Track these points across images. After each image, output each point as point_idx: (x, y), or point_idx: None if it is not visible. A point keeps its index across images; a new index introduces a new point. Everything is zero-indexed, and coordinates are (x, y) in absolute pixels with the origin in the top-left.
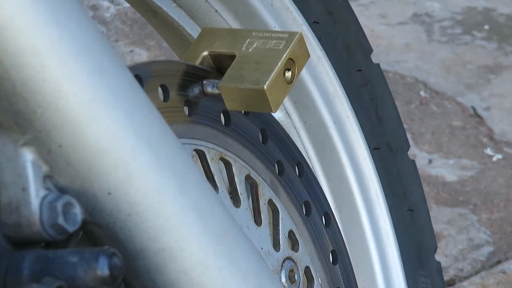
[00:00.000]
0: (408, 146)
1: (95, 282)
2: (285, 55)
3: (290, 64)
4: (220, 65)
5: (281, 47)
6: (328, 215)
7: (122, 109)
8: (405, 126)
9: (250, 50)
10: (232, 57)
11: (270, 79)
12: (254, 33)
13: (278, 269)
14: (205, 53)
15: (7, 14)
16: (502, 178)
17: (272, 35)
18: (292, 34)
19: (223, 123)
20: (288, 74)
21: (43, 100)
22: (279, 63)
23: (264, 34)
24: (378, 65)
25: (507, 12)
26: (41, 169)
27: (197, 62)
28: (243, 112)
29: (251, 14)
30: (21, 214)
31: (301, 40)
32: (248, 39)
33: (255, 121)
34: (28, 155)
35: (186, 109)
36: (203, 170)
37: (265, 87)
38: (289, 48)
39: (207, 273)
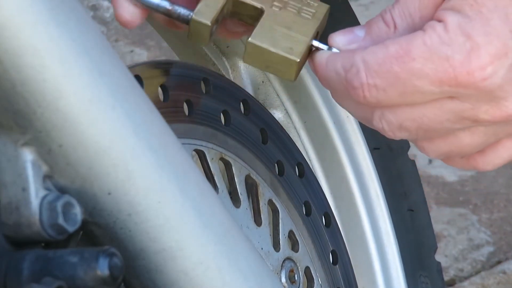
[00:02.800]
0: (408, 146)
1: (95, 282)
2: (316, 27)
3: (315, 36)
4: (239, 13)
5: (310, 17)
6: (328, 215)
7: (122, 109)
8: None
9: (279, 10)
10: (256, 10)
11: (303, 51)
12: None
13: (278, 269)
14: None
15: (7, 14)
16: (502, 178)
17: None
18: (321, 6)
19: (223, 123)
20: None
21: (43, 100)
22: (311, 35)
23: None
24: None
25: None
26: (41, 169)
27: (218, 4)
28: (242, 111)
29: None
30: (21, 214)
31: (327, 14)
32: None
33: (255, 121)
34: (28, 155)
35: (186, 109)
36: (203, 170)
37: (298, 60)
38: (320, 20)
39: (207, 273)
